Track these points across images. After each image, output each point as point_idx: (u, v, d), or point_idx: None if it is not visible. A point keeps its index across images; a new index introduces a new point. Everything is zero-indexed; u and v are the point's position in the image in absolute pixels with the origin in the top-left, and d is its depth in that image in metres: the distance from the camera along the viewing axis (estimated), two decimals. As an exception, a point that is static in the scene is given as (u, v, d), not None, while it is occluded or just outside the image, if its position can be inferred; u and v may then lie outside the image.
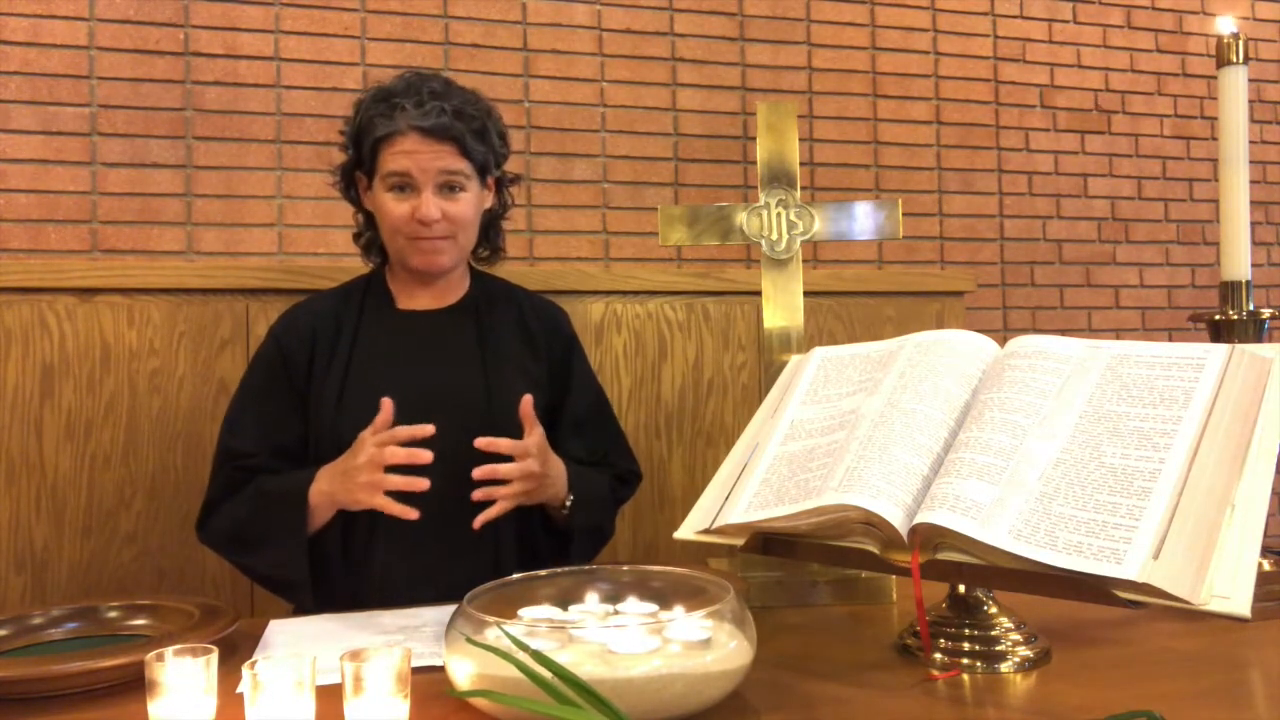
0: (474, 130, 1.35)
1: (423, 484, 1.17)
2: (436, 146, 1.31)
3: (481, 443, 1.22)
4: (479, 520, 1.21)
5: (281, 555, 1.27)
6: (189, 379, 1.70)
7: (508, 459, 1.23)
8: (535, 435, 1.26)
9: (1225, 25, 1.25)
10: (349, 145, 1.40)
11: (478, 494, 1.21)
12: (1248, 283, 1.22)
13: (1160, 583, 0.76)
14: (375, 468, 1.18)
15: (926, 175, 2.48)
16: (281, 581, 1.32)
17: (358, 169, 1.41)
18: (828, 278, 2.07)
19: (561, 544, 1.38)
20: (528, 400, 1.27)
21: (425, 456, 1.18)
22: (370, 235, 1.47)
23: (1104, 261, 2.63)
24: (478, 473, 1.21)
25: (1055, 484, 0.86)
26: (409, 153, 1.31)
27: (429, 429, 1.20)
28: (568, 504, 1.33)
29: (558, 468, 1.32)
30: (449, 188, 1.34)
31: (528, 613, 0.91)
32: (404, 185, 1.33)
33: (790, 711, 0.84)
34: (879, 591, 1.21)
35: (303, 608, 1.31)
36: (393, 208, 1.34)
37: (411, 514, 1.17)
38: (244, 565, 1.35)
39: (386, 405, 1.22)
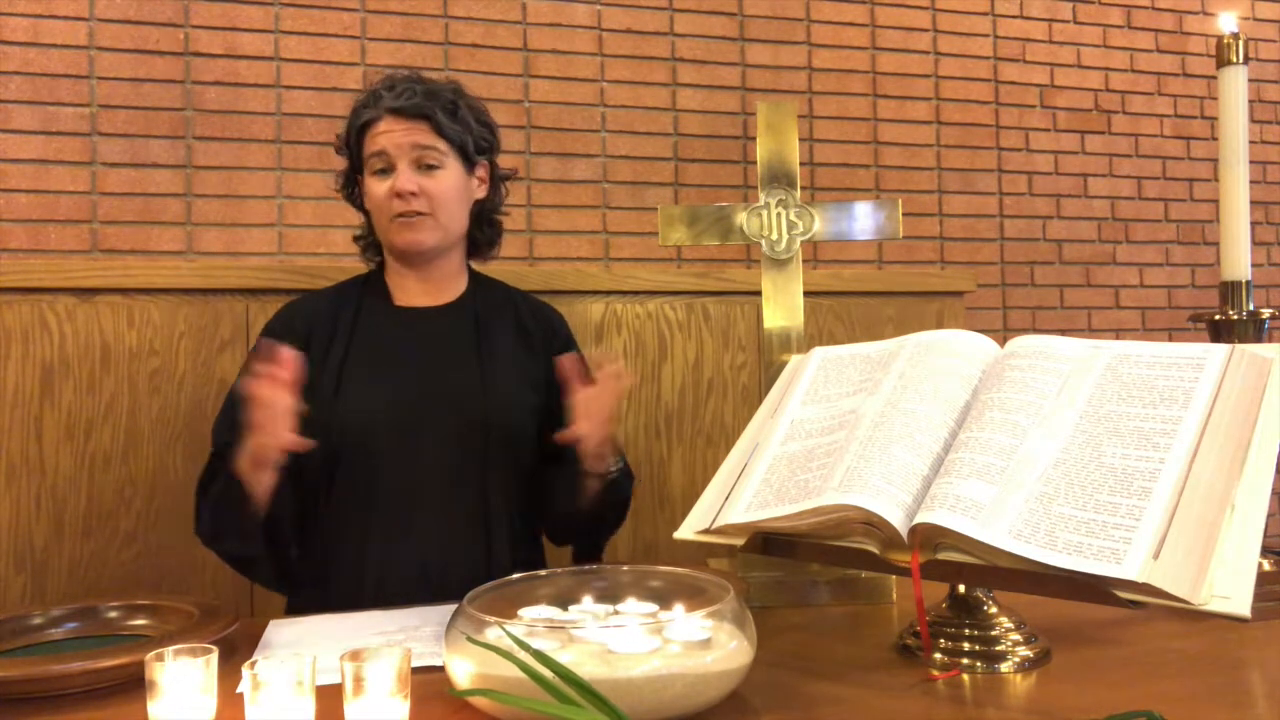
0: (445, 108, 1.37)
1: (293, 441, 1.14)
2: (409, 124, 1.35)
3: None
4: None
5: (237, 529, 1.27)
6: (189, 379, 1.70)
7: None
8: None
9: (1226, 24, 1.25)
10: (343, 149, 1.43)
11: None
12: (1248, 283, 1.22)
13: (1160, 583, 0.76)
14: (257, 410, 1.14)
15: (926, 175, 2.48)
16: (245, 558, 1.32)
17: (353, 171, 1.43)
18: (828, 278, 2.07)
19: (539, 541, 1.38)
20: (565, 361, 1.29)
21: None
22: (370, 238, 1.48)
23: (1104, 261, 2.63)
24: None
25: (1055, 484, 0.86)
26: (385, 133, 1.35)
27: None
28: (613, 467, 1.33)
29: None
30: (426, 166, 1.36)
31: (528, 613, 0.91)
32: (383, 167, 1.37)
33: (790, 711, 0.84)
34: (879, 591, 1.21)
35: (298, 607, 1.32)
36: (375, 189, 1.37)
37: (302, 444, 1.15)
38: (220, 551, 1.34)
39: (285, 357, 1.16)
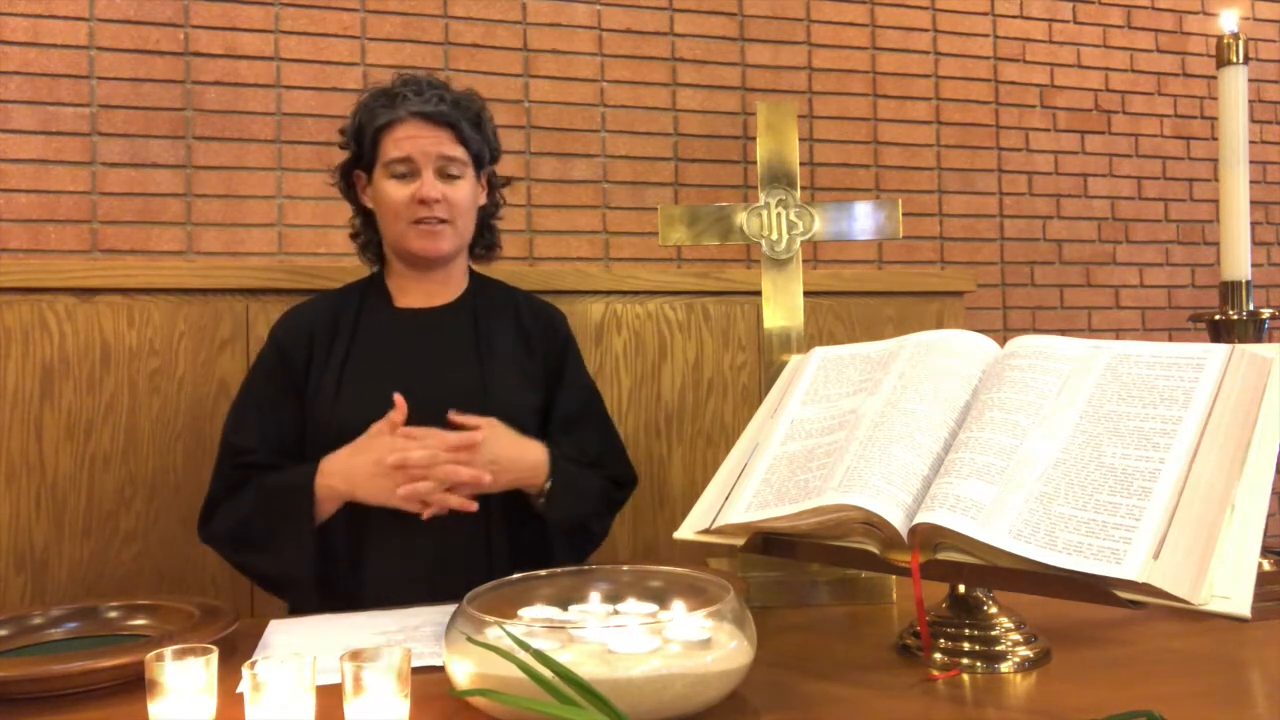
0: (470, 119, 1.39)
1: (471, 506, 1.27)
2: (436, 132, 1.35)
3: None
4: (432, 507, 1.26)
5: (288, 550, 1.27)
6: (189, 379, 1.70)
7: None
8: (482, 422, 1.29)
9: (1227, 23, 1.25)
10: (349, 142, 1.42)
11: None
12: (1248, 283, 1.22)
13: (1160, 583, 0.76)
14: (387, 466, 1.23)
15: (926, 175, 2.48)
16: (284, 579, 1.31)
17: (357, 166, 1.43)
18: (828, 278, 2.07)
19: (543, 541, 1.35)
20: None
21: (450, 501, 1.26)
22: (368, 236, 1.48)
23: (1104, 261, 2.63)
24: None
25: (1055, 484, 0.86)
26: (410, 137, 1.35)
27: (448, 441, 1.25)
28: (546, 489, 1.32)
29: (529, 454, 1.32)
30: (448, 174, 1.37)
31: (528, 613, 0.91)
32: (405, 171, 1.36)
33: (790, 711, 0.84)
34: (879, 591, 1.21)
35: (299, 608, 1.31)
36: (394, 193, 1.37)
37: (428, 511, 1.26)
38: (245, 564, 1.34)
39: (400, 404, 1.26)
